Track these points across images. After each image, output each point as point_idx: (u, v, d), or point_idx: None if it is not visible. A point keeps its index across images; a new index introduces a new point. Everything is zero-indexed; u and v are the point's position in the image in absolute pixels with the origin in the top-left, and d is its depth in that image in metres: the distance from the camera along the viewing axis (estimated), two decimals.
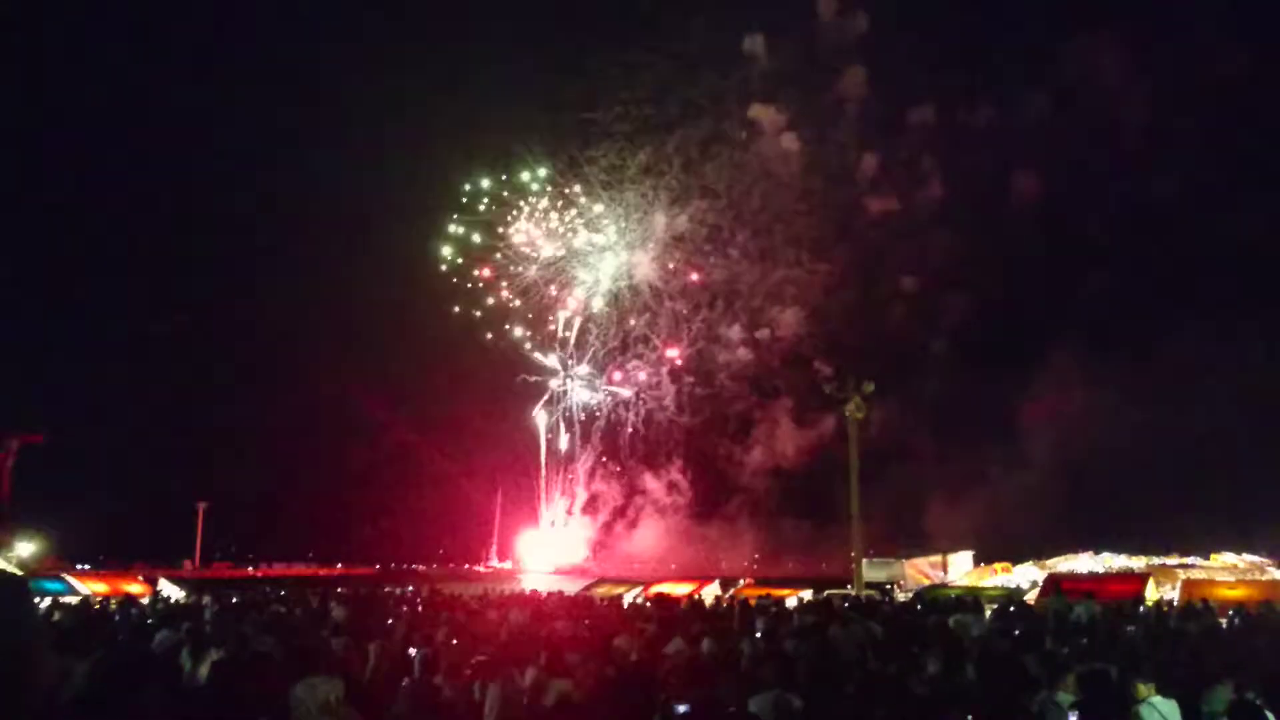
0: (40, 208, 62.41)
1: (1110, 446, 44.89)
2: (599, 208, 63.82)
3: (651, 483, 62.30)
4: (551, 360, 65.35)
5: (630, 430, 64.41)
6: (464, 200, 63.82)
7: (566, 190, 63.79)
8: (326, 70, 60.41)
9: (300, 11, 65.18)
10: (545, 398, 65.72)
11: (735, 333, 62.62)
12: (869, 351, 54.09)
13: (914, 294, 57.89)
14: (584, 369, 65.60)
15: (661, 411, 63.72)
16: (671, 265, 63.83)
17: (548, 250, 64.35)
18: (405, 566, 62.72)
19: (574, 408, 65.96)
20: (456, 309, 63.39)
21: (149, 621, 16.28)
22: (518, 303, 64.23)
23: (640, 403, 64.41)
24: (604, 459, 65.26)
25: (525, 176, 63.63)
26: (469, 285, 63.79)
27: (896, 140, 60.14)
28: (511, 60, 60.60)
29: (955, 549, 42.15)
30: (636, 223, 63.88)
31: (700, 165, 62.12)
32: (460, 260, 63.92)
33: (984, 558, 41.88)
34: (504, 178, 63.93)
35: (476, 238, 64.00)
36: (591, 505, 64.93)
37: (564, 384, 65.75)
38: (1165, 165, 49.49)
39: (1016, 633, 14.28)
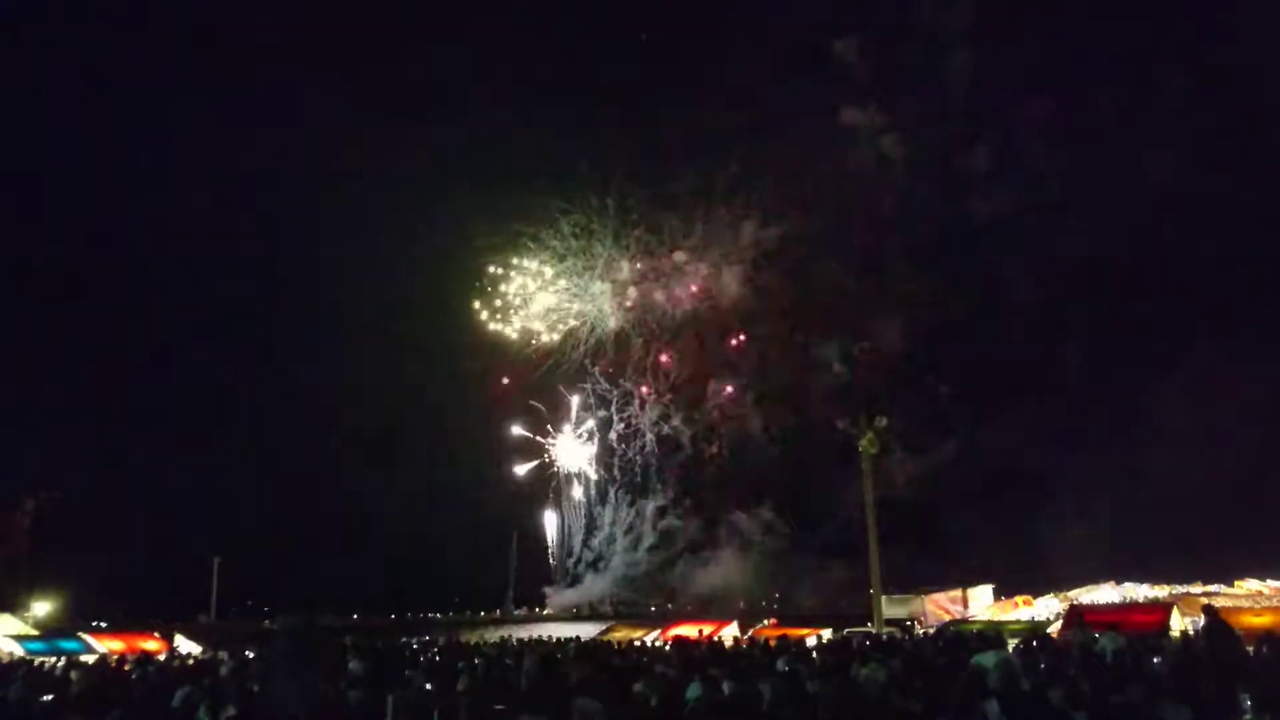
0: (53, 266, 63.24)
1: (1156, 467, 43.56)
2: (680, 224, 60.66)
3: (735, 516, 58.83)
4: (624, 388, 63.27)
5: (713, 465, 61.37)
6: (535, 230, 61.66)
7: (644, 207, 60.81)
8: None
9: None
10: (608, 430, 64.14)
11: (834, 351, 58.01)
12: (983, 366, 50.52)
13: (1031, 302, 52.73)
14: (659, 397, 62.83)
15: (750, 441, 60.06)
16: (761, 284, 60.16)
17: (624, 272, 61.69)
18: (422, 615, 62.25)
19: (649, 439, 62.97)
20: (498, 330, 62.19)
21: (165, 679, 16.20)
22: (605, 330, 62.03)
23: (720, 434, 61.25)
24: (681, 494, 62.11)
25: (600, 200, 60.79)
26: (528, 327, 62.37)
27: (1009, 134, 55.17)
28: (590, 77, 59.51)
29: (975, 582, 41.53)
30: (722, 241, 60.24)
31: (793, 176, 57.91)
32: (518, 298, 62.51)
33: (1004, 591, 41.24)
34: (592, 205, 61.06)
35: (543, 267, 62.01)
36: (664, 541, 61.79)
37: (638, 415, 63.20)
38: None
39: (1041, 667, 14.09)
